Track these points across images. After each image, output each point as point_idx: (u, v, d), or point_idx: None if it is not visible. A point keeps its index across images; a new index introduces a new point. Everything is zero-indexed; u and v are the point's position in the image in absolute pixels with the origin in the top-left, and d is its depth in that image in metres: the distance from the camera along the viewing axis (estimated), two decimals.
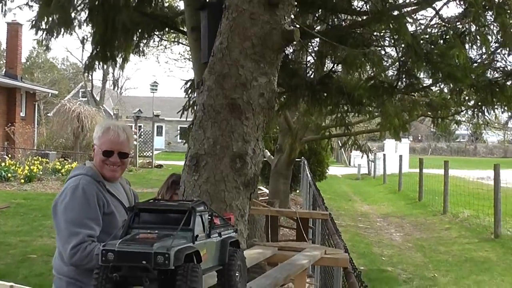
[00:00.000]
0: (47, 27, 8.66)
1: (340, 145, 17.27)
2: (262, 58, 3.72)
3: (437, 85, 8.75)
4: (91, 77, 52.55)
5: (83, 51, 69.57)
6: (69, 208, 3.72)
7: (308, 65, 8.88)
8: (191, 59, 9.30)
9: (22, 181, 22.44)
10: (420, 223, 18.73)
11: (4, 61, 35.39)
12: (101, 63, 8.52)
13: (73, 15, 8.51)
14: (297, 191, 23.80)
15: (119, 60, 8.98)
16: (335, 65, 8.61)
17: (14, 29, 30.66)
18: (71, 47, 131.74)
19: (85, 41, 8.59)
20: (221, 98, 3.73)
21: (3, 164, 23.83)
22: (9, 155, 25.87)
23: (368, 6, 7.14)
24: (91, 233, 3.64)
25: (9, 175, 22.78)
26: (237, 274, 2.68)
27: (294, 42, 4.06)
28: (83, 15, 8.32)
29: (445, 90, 9.01)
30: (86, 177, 3.84)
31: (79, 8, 8.21)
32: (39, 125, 35.06)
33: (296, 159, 18.31)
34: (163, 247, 2.20)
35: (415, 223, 18.88)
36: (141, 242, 2.25)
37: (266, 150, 20.22)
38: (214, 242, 2.58)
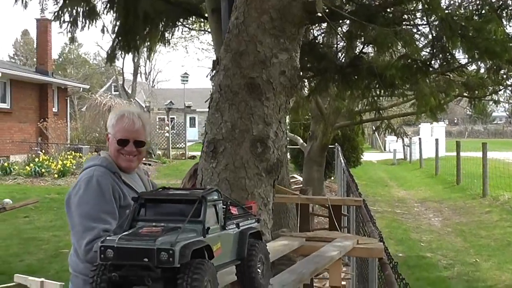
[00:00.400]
0: (71, 19, 8.49)
1: (374, 129, 16.86)
2: (282, 33, 3.41)
3: (474, 63, 8.38)
4: (122, 70, 52.82)
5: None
6: (83, 202, 3.49)
7: (338, 48, 8.60)
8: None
9: (56, 176, 22.51)
10: (459, 207, 18.30)
11: (35, 58, 35.41)
12: (122, 53, 8.28)
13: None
14: (332, 178, 23.52)
15: (143, 50, 8.78)
16: (365, 46, 8.29)
17: (43, 25, 30.70)
18: (102, 41, 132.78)
19: (105, 30, 8.36)
20: (239, 78, 3.42)
21: (37, 159, 23.89)
22: (43, 151, 25.97)
23: None
24: (107, 227, 3.39)
25: (43, 170, 22.86)
26: (258, 269, 2.41)
27: (318, 15, 3.71)
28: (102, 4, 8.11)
29: (482, 69, 8.65)
30: (100, 168, 3.61)
31: None
32: (72, 120, 35.17)
33: (330, 146, 18.01)
34: (167, 243, 1.93)
35: (454, 207, 18.46)
36: (144, 237, 1.98)
37: (299, 137, 19.99)
38: (231, 235, 2.31)
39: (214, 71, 3.59)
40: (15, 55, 71.19)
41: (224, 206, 2.28)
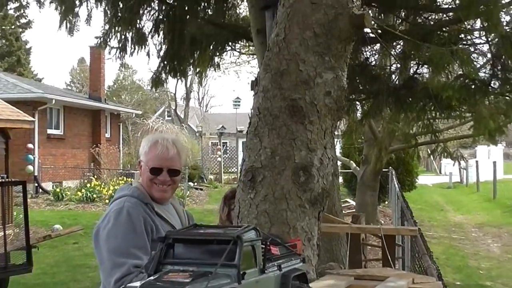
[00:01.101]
0: (120, 45, 8.41)
1: (429, 153, 16.42)
2: (327, 50, 3.10)
3: None
4: (174, 95, 53.27)
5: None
6: (112, 235, 3.22)
7: (391, 69, 8.34)
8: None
9: (107, 201, 22.48)
10: None
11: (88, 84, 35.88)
12: (168, 77, 8.13)
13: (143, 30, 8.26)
14: (386, 202, 23.04)
15: (195, 75, 8.68)
16: (420, 66, 8.00)
17: (96, 52, 31.02)
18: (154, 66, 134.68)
19: (150, 55, 8.25)
20: (279, 100, 3.12)
21: (88, 185, 24.04)
22: (95, 176, 26.14)
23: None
24: (138, 263, 3.10)
25: (95, 195, 22.95)
26: None
27: (370, 35, 3.43)
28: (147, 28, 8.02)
29: None
30: (131, 199, 3.34)
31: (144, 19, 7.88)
32: (125, 146, 35.46)
33: (383, 170, 17.60)
34: None
35: None
36: (169, 284, 1.72)
37: (352, 162, 19.66)
38: (272, 278, 2.03)
39: (253, 93, 3.31)
40: (71, 83, 72.35)
41: (263, 246, 2.00)
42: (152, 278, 1.78)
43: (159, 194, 3.42)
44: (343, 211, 11.57)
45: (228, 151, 42.60)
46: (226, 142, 44.67)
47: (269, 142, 3.11)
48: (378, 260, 10.40)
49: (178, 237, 1.94)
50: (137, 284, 1.72)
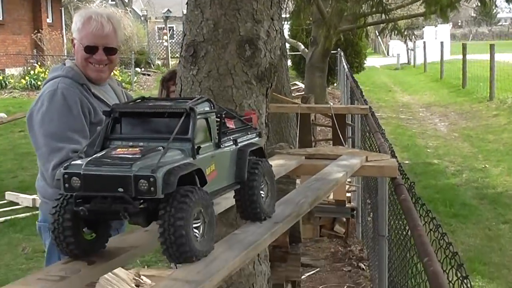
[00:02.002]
0: None
1: (378, 33, 16.27)
2: None
3: None
4: None
5: None
6: (47, 119, 3.04)
7: None
8: None
9: None
10: (465, 111, 17.92)
11: None
12: None
13: None
14: (335, 84, 23.11)
15: None
16: None
17: None
18: None
19: None
20: None
21: (32, 72, 23.42)
22: (39, 63, 25.44)
23: None
24: (76, 147, 2.96)
25: (39, 83, 22.38)
26: (262, 193, 2.02)
27: None
28: None
29: None
30: (65, 80, 3.14)
31: None
32: (68, 31, 34.43)
33: (332, 51, 17.48)
34: (147, 168, 1.53)
35: (460, 111, 18.08)
36: (118, 160, 1.58)
37: (300, 43, 19.49)
38: (228, 153, 1.91)
39: None
40: None
41: (218, 119, 1.87)
42: (98, 154, 1.63)
43: (95, 74, 3.23)
44: (292, 94, 11.49)
45: (175, 36, 41.84)
46: (173, 27, 43.80)
47: (211, 13, 2.86)
48: (329, 140, 10.46)
49: (125, 110, 1.79)
50: (83, 162, 1.57)
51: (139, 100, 1.86)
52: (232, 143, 1.94)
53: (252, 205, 1.96)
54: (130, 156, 1.58)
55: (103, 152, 1.64)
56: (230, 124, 2.00)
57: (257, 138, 2.13)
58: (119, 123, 1.77)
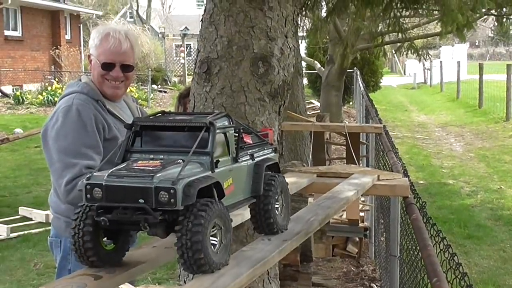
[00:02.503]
0: None
1: (394, 51, 16.27)
2: None
3: None
4: None
5: None
6: (61, 135, 3.08)
7: None
8: None
9: None
10: (481, 132, 17.84)
11: None
12: None
13: None
14: (351, 103, 23.10)
15: None
16: None
17: None
18: None
19: None
20: None
21: (49, 88, 23.62)
22: (56, 79, 25.66)
23: None
24: (89, 163, 3.00)
25: (56, 99, 22.57)
26: (277, 207, 2.06)
27: None
28: None
29: None
30: (81, 96, 3.17)
31: None
32: (85, 48, 34.73)
33: (348, 70, 17.51)
34: (167, 180, 1.58)
35: (476, 131, 18.01)
36: (139, 172, 1.63)
37: (316, 62, 19.50)
38: (245, 167, 1.95)
39: None
40: None
41: (236, 134, 1.91)
42: (120, 166, 1.68)
43: (111, 91, 3.26)
44: (308, 112, 11.52)
45: (192, 53, 41.97)
46: (190, 44, 43.97)
47: (225, 30, 2.92)
48: (342, 159, 10.46)
49: (146, 124, 1.84)
50: (104, 173, 1.62)
51: (160, 114, 1.91)
52: (249, 157, 1.98)
53: (266, 215, 1.99)
54: (151, 168, 1.62)
55: (124, 164, 1.69)
56: (247, 139, 2.05)
57: (273, 154, 2.17)
58: (140, 136, 1.82)
